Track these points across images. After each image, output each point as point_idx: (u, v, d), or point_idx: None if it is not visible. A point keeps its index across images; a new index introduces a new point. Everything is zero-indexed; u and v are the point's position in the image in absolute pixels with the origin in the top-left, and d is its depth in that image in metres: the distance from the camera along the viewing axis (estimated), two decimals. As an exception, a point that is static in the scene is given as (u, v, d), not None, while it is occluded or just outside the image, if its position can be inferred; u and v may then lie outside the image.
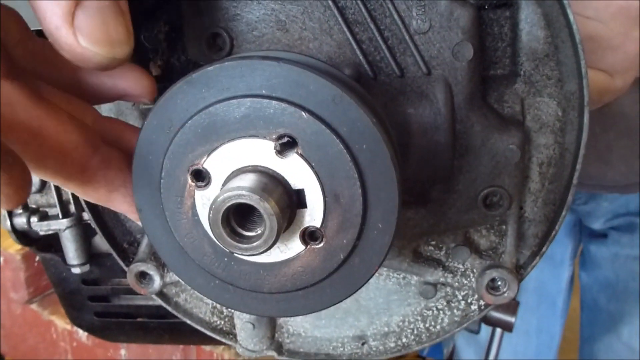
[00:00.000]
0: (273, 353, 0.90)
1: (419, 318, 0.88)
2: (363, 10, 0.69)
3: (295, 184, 0.53)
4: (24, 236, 1.00)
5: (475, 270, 0.81)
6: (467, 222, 0.77)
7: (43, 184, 0.94)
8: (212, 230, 0.51)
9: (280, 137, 0.52)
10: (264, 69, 0.51)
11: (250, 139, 0.52)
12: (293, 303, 0.58)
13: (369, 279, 0.56)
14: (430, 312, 0.88)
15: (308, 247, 0.55)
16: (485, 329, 1.90)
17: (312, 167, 0.52)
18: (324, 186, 0.52)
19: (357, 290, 0.57)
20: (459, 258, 0.80)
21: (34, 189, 0.95)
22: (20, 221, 0.97)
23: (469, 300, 0.85)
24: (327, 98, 0.50)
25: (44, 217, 0.97)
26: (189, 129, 0.53)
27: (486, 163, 0.74)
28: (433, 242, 0.84)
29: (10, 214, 0.97)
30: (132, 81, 0.57)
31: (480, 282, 0.78)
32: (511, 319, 1.58)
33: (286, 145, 0.52)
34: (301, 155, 0.52)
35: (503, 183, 0.74)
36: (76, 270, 1.00)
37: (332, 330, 0.92)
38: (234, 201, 0.49)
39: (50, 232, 0.98)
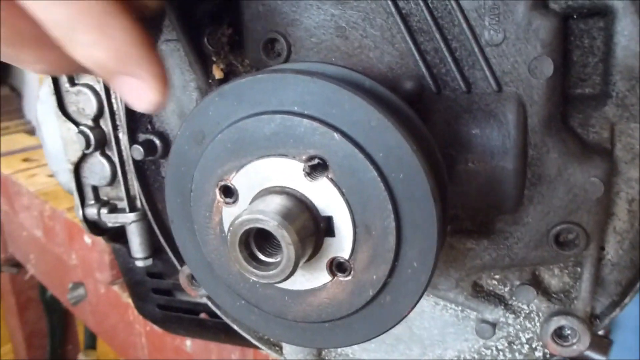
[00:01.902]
0: (317, 371, 0.86)
1: (476, 356, 0.80)
2: (428, 17, 0.63)
3: (324, 210, 0.48)
4: (94, 226, 1.03)
5: (541, 314, 0.72)
6: (535, 260, 0.68)
7: (113, 178, 0.97)
8: (230, 253, 0.47)
9: (310, 158, 0.47)
10: (297, 84, 0.47)
11: (280, 157, 0.48)
12: (318, 335, 0.54)
13: (400, 321, 0.51)
14: (489, 352, 0.79)
15: (335, 278, 0.50)
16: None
17: (342, 194, 0.47)
18: (354, 215, 0.47)
19: (387, 330, 0.52)
20: (523, 298, 0.71)
21: (104, 182, 0.98)
22: (91, 212, 1.01)
23: (533, 345, 0.76)
24: (362, 119, 0.45)
25: (113, 209, 1.00)
26: (219, 143, 0.51)
27: (562, 196, 0.65)
28: (497, 277, 0.76)
29: (83, 205, 1.01)
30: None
31: (545, 328, 0.69)
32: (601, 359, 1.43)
33: (316, 168, 0.47)
34: (332, 180, 0.47)
35: (580, 220, 0.65)
36: (139, 264, 1.02)
37: (381, 355, 0.86)
38: (251, 225, 0.45)
39: (117, 225, 1.01)
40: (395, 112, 0.49)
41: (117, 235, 1.08)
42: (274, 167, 0.49)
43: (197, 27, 0.79)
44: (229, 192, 0.52)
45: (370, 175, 0.46)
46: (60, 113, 0.94)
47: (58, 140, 0.97)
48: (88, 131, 0.93)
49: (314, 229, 0.48)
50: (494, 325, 0.74)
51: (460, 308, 0.79)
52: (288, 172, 0.48)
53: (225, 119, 0.50)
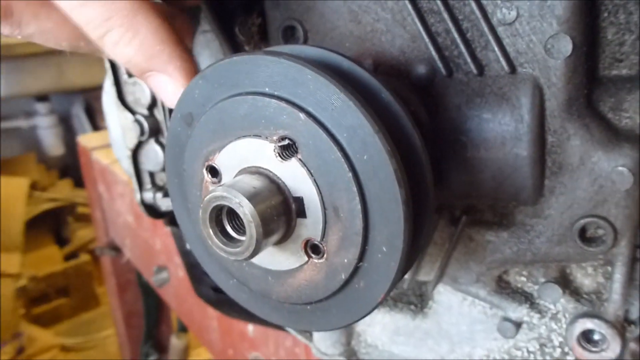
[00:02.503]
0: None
1: (506, 357, 0.76)
2: (437, -3, 0.60)
3: (295, 190, 0.48)
4: (151, 210, 1.10)
5: (567, 315, 0.66)
6: (559, 256, 0.63)
7: (167, 164, 1.03)
8: (202, 229, 0.49)
9: (281, 139, 0.47)
10: (267, 65, 0.47)
11: (255, 138, 0.49)
12: (302, 317, 0.54)
13: (375, 307, 0.49)
14: (519, 353, 0.75)
15: (310, 260, 0.50)
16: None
17: (311, 175, 0.47)
18: (323, 197, 0.47)
19: (364, 316, 0.50)
20: (547, 297, 0.66)
21: (159, 167, 1.04)
22: (148, 196, 1.07)
23: (565, 349, 0.70)
24: (326, 99, 0.45)
25: (167, 194, 1.06)
26: (204, 124, 0.52)
27: (586, 187, 0.60)
28: (526, 273, 0.71)
29: (141, 189, 1.08)
30: None
31: (570, 330, 0.64)
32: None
33: (287, 149, 0.48)
34: (301, 161, 0.47)
35: (608, 213, 0.59)
36: (189, 247, 1.07)
37: (411, 350, 0.84)
38: (217, 202, 0.46)
39: (170, 209, 1.06)
40: (370, 94, 0.48)
41: (175, 219, 1.14)
42: (250, 147, 0.49)
43: (229, 17, 0.81)
44: (214, 172, 0.53)
45: (334, 156, 0.45)
46: (119, 103, 1.01)
47: (118, 128, 1.04)
48: (143, 120, 0.99)
49: (283, 209, 0.48)
50: (517, 324, 0.70)
51: (488, 305, 0.75)
52: (262, 153, 0.49)
53: (208, 101, 0.52)
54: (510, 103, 0.59)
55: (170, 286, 2.03)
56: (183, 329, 2.77)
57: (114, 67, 1.01)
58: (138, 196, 1.08)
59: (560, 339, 0.70)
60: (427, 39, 0.62)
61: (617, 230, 0.59)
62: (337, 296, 0.51)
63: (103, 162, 2.23)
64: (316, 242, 0.49)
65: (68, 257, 4.49)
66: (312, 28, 0.69)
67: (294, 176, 0.48)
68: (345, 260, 0.48)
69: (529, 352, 0.74)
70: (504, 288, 0.71)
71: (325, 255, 0.49)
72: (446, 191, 0.66)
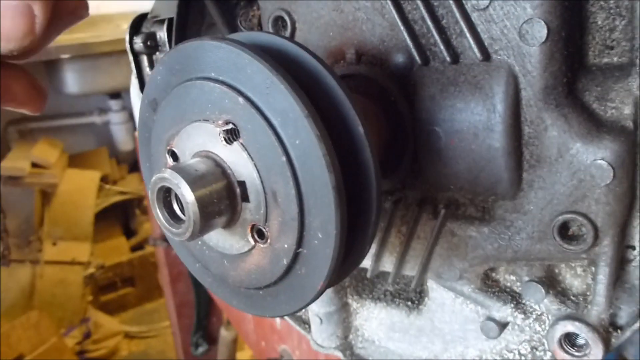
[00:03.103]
0: (339, 354, 0.85)
1: (498, 358, 0.73)
2: (410, -17, 0.59)
3: (240, 174, 0.49)
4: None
5: (550, 317, 0.63)
6: (540, 254, 0.60)
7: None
8: (153, 210, 0.50)
9: (225, 122, 0.48)
10: (212, 50, 0.48)
11: (204, 122, 0.50)
12: (255, 302, 0.55)
13: (318, 295, 0.49)
14: (511, 355, 0.71)
15: (257, 245, 0.50)
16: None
17: (251, 159, 0.47)
18: (263, 181, 0.47)
19: (309, 304, 0.50)
20: (529, 297, 0.63)
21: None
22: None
23: (555, 353, 0.66)
24: (261, 83, 0.45)
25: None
26: (163, 110, 0.54)
27: (565, 181, 0.56)
28: (514, 271, 0.68)
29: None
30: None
31: (551, 333, 0.61)
32: None
33: (230, 133, 0.48)
34: (242, 145, 0.47)
35: (588, 210, 0.56)
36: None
37: (406, 346, 0.82)
38: (160, 184, 0.48)
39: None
40: (312, 79, 0.48)
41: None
42: (200, 131, 0.50)
43: (231, 9, 0.83)
44: (175, 156, 0.54)
45: (269, 140, 0.45)
46: (141, 94, 1.05)
47: (141, 120, 1.09)
48: (161, 112, 1.03)
49: (226, 193, 0.48)
50: (502, 324, 0.67)
51: (470, 302, 0.72)
52: (210, 137, 0.50)
53: (168, 87, 0.53)
54: (483, 92, 0.57)
55: (212, 277, 2.08)
56: (232, 321, 2.84)
57: (137, 60, 1.05)
58: (144, 176, 1.12)
59: (551, 343, 0.67)
60: (402, 27, 0.60)
61: (598, 228, 0.55)
62: (283, 282, 0.51)
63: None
64: (260, 227, 0.49)
65: (135, 249, 4.70)
66: (300, 18, 0.70)
67: (237, 160, 0.48)
68: (286, 246, 0.48)
69: (520, 354, 0.70)
70: (491, 286, 0.68)
71: (269, 240, 0.49)
72: (426, 183, 0.65)
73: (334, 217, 0.44)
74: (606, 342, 0.58)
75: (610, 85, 0.56)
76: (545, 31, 0.53)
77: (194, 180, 0.47)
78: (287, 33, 0.71)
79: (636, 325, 0.57)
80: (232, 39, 0.47)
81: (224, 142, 0.49)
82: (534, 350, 0.69)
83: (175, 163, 0.55)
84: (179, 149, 0.53)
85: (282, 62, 0.46)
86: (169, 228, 0.49)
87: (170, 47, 1.01)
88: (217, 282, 0.58)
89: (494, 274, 0.69)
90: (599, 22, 0.57)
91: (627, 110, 0.55)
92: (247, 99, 0.46)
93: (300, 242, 0.47)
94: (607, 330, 0.58)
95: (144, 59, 1.06)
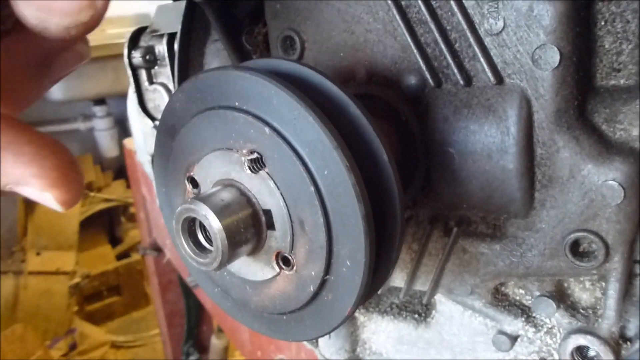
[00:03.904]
0: (348, 368, 0.86)
1: (507, 371, 0.74)
2: (422, 6, 0.60)
3: (265, 203, 0.49)
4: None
5: (562, 330, 0.64)
6: (552, 270, 0.61)
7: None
8: (177, 239, 0.51)
9: (250, 152, 0.49)
10: (236, 80, 0.48)
11: (227, 151, 0.50)
12: (279, 326, 0.55)
13: (345, 320, 0.50)
14: (520, 368, 0.73)
15: (282, 271, 0.51)
16: None
17: (278, 188, 0.48)
18: (289, 210, 0.48)
19: (335, 328, 0.51)
20: (540, 311, 0.65)
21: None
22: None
23: (565, 365, 0.68)
24: (288, 114, 0.46)
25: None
26: (183, 137, 0.54)
27: (576, 200, 0.58)
28: (524, 286, 0.69)
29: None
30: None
31: (563, 346, 0.62)
32: None
33: (255, 162, 0.49)
34: (268, 174, 0.48)
35: (599, 228, 0.57)
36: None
37: (414, 359, 0.83)
38: (186, 214, 0.48)
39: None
40: (337, 108, 0.48)
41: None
42: (224, 160, 0.51)
43: (236, 26, 0.83)
44: (194, 183, 0.55)
45: (297, 170, 0.46)
46: (140, 109, 1.05)
47: (140, 134, 1.09)
48: (162, 127, 1.03)
49: (252, 221, 0.49)
50: (513, 338, 0.68)
51: (482, 316, 0.73)
52: (234, 166, 0.50)
53: (187, 114, 0.53)
54: (497, 115, 0.58)
55: (205, 287, 2.07)
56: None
57: (135, 74, 1.05)
58: (159, 201, 1.12)
59: (561, 356, 0.68)
60: (415, 50, 0.61)
61: (609, 246, 0.57)
62: (309, 308, 0.51)
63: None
64: (286, 254, 0.50)
65: (120, 257, 4.66)
66: (309, 38, 0.70)
67: (263, 189, 0.49)
68: (313, 273, 0.48)
69: (530, 367, 0.72)
70: (500, 300, 0.70)
71: (295, 268, 0.50)
72: (438, 202, 0.66)
73: (364, 245, 0.45)
74: (617, 354, 0.59)
75: (619, 108, 0.57)
76: (557, 57, 0.54)
77: (221, 210, 0.47)
78: (297, 53, 0.72)
79: (647, 339, 0.59)
80: (255, 69, 0.48)
81: (249, 171, 0.49)
82: (544, 362, 0.70)
83: (194, 190, 0.55)
84: (200, 176, 0.54)
85: (306, 91, 0.47)
86: (195, 258, 0.50)
87: (170, 62, 1.01)
88: (238, 307, 0.58)
89: (503, 288, 0.70)
90: (607, 46, 0.59)
91: (635, 132, 0.56)
92: (274, 129, 0.46)
93: (328, 269, 0.48)
94: (617, 342, 0.60)
95: (143, 73, 1.06)
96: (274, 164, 0.47)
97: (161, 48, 1.03)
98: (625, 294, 0.59)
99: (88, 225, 4.50)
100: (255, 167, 0.49)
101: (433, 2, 0.60)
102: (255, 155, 0.48)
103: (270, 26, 0.74)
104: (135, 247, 4.73)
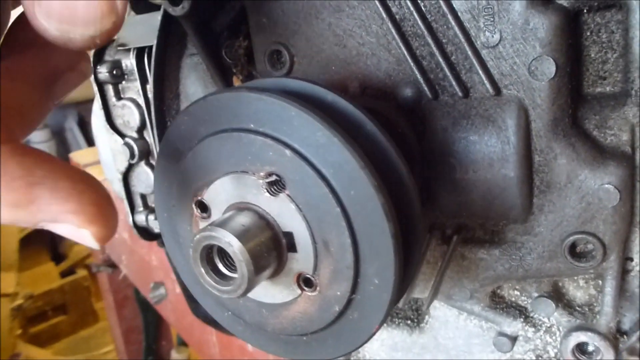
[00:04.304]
0: (343, 379, 0.86)
1: (503, 370, 0.76)
2: (419, 20, 0.60)
3: (285, 225, 0.48)
4: (145, 232, 1.10)
5: (561, 329, 0.67)
6: (550, 271, 0.64)
7: (159, 186, 1.03)
8: (194, 267, 0.49)
9: (268, 174, 0.48)
10: (250, 102, 0.47)
11: (242, 174, 0.49)
12: (298, 348, 0.54)
13: (370, 337, 0.50)
14: (516, 366, 0.75)
15: (303, 293, 0.50)
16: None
17: (300, 210, 0.47)
18: (313, 231, 0.47)
19: (360, 346, 0.51)
20: (540, 311, 0.67)
21: (150, 190, 1.04)
22: (140, 218, 1.07)
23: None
24: (311, 136, 0.45)
25: (160, 215, 1.06)
26: (191, 160, 0.52)
27: (574, 204, 0.60)
28: (519, 287, 0.71)
29: (133, 212, 1.08)
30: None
31: (565, 344, 0.65)
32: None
33: (274, 185, 0.48)
34: (289, 196, 0.47)
35: (596, 230, 0.60)
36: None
37: (409, 365, 0.84)
38: (207, 242, 0.47)
39: (164, 230, 1.07)
40: (354, 126, 0.48)
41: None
42: (238, 183, 0.50)
43: (215, 40, 0.81)
44: (203, 207, 0.53)
45: (322, 192, 0.45)
46: (108, 126, 1.01)
47: (109, 151, 1.04)
48: (132, 143, 0.99)
49: (273, 245, 0.48)
50: (513, 338, 0.70)
51: (481, 319, 0.75)
52: (250, 189, 0.49)
53: (194, 137, 0.52)
54: (497, 125, 0.59)
55: (167, 302, 2.03)
56: (183, 343, 2.77)
57: (101, 90, 1.01)
58: (130, 219, 1.08)
59: (555, 350, 0.71)
60: (412, 63, 0.62)
61: (606, 246, 0.60)
62: (332, 327, 0.51)
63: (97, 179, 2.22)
64: (308, 276, 0.49)
65: (65, 274, 4.47)
66: (298, 52, 0.70)
67: (283, 211, 0.48)
68: (338, 293, 0.48)
69: (525, 365, 0.74)
70: (497, 303, 0.72)
71: (318, 288, 0.49)
72: (437, 211, 0.67)
73: (392, 263, 0.45)
74: (616, 348, 0.62)
75: (608, 114, 0.60)
76: (553, 68, 0.56)
77: (243, 235, 0.46)
78: (286, 67, 0.71)
79: (642, 332, 0.62)
80: (270, 89, 0.47)
81: (267, 194, 0.48)
82: (539, 358, 0.73)
83: (202, 214, 0.53)
84: (210, 201, 0.52)
85: (323, 110, 0.46)
86: (216, 287, 0.48)
87: (140, 76, 0.98)
88: (251, 330, 0.57)
89: (498, 291, 0.72)
90: (592, 55, 0.61)
91: (625, 137, 0.59)
92: (295, 151, 0.46)
93: (354, 288, 0.48)
94: (615, 337, 0.63)
95: (110, 89, 1.02)
96: (296, 186, 0.47)
97: (129, 62, 0.99)
98: (621, 290, 0.62)
99: (28, 242, 4.28)
100: (274, 189, 0.48)
101: (428, 16, 0.61)
102: (273, 178, 0.47)
103: (255, 40, 0.73)
104: (81, 263, 4.55)
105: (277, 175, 0.47)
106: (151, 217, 1.06)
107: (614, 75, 0.61)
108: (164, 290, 2.00)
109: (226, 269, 0.49)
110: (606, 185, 0.58)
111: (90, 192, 0.40)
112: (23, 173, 0.37)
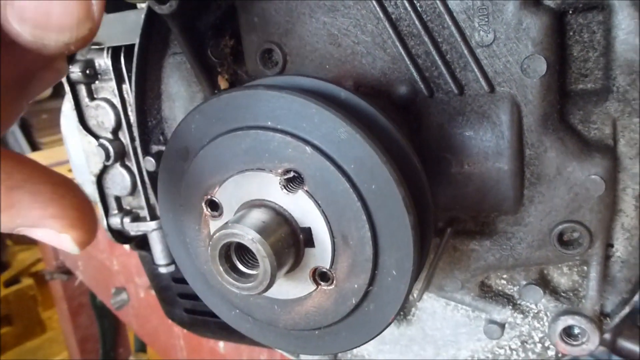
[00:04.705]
0: (333, 373, 0.87)
1: (490, 356, 0.79)
2: (416, 21, 0.62)
3: (302, 221, 0.49)
4: (119, 235, 1.07)
5: (549, 314, 0.71)
6: (540, 260, 0.67)
7: (134, 188, 1.01)
8: (212, 266, 0.49)
9: (286, 171, 0.48)
10: (268, 99, 0.48)
11: (258, 172, 0.49)
12: (309, 342, 0.55)
13: (386, 327, 0.51)
14: (502, 351, 0.78)
15: (319, 287, 0.51)
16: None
17: (318, 205, 0.48)
18: (331, 226, 0.48)
19: (374, 337, 0.52)
20: (529, 298, 0.70)
21: (126, 192, 1.01)
22: (115, 221, 1.05)
23: (546, 344, 0.74)
24: (332, 132, 0.46)
25: (136, 218, 1.04)
26: (202, 159, 0.52)
27: (562, 195, 0.63)
28: (505, 276, 0.75)
29: (107, 215, 1.05)
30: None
31: (553, 328, 0.68)
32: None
33: (292, 181, 0.48)
34: (307, 192, 0.48)
35: (583, 218, 0.63)
36: (162, 270, 1.05)
37: (396, 356, 0.86)
38: (228, 239, 0.47)
39: (140, 233, 1.04)
40: (369, 122, 0.49)
41: (143, 243, 1.12)
42: (253, 180, 0.50)
43: (200, 39, 0.81)
44: (214, 206, 0.53)
45: (342, 187, 0.46)
46: (81, 127, 0.98)
47: (81, 153, 1.01)
48: (107, 144, 0.97)
49: (292, 240, 0.49)
50: (502, 325, 0.73)
51: (471, 308, 0.78)
52: (266, 186, 0.49)
53: (206, 136, 0.51)
54: (491, 120, 0.62)
55: (130, 307, 1.98)
56: (142, 349, 2.70)
57: (73, 90, 0.98)
58: (104, 222, 1.06)
59: (540, 335, 0.74)
60: (408, 62, 0.64)
61: (592, 233, 0.63)
62: (347, 320, 0.52)
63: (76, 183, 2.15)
64: (325, 270, 0.50)
65: (9, 283, 4.27)
66: (292, 51, 0.70)
67: (301, 207, 0.49)
68: (356, 286, 0.49)
69: (511, 349, 0.78)
70: (486, 292, 0.75)
71: (334, 282, 0.50)
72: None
73: (412, 254, 0.47)
74: (600, 330, 0.66)
75: (591, 109, 0.64)
76: (544, 66, 0.59)
77: (263, 231, 0.47)
78: (278, 66, 0.71)
79: (624, 312, 0.66)
80: (289, 88, 0.48)
81: (285, 190, 0.49)
82: (524, 344, 0.76)
83: (213, 213, 0.53)
84: (222, 199, 0.52)
85: (340, 107, 0.47)
86: (236, 284, 0.48)
87: (115, 76, 0.95)
88: (260, 327, 0.57)
89: (486, 280, 0.75)
90: (575, 54, 0.65)
91: (608, 130, 0.63)
92: (315, 147, 0.46)
93: (372, 280, 0.49)
94: (600, 319, 0.67)
95: (82, 89, 0.99)
96: (315, 182, 0.47)
97: (102, 62, 0.97)
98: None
99: (-32, 252, 4.08)
100: (291, 186, 0.48)
101: (424, 16, 0.63)
102: (291, 174, 0.48)
103: (246, 39, 0.73)
104: (26, 272, 4.36)
105: (295, 171, 0.48)
106: (126, 219, 1.04)
107: (594, 73, 0.65)
108: (126, 296, 1.95)
109: (244, 266, 0.49)
110: (593, 176, 0.61)
111: (70, 196, 0.39)
112: (2, 177, 0.36)
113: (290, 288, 0.52)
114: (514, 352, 0.77)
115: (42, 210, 0.38)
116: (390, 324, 0.50)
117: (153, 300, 1.79)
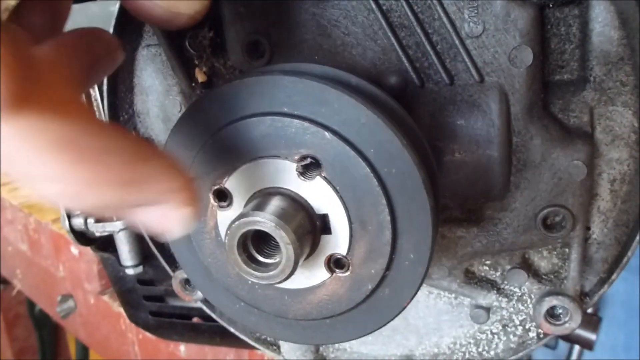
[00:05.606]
0: (316, 367, 0.87)
1: (472, 341, 0.82)
2: (409, 13, 0.64)
3: (319, 208, 0.49)
4: (82, 236, 1.03)
5: (533, 296, 0.74)
6: (524, 244, 0.70)
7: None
8: (228, 256, 0.48)
9: (302, 158, 0.48)
10: (285, 85, 0.47)
11: (273, 159, 0.49)
12: (319, 331, 0.55)
13: (400, 312, 0.52)
14: (484, 336, 0.81)
15: (334, 275, 0.51)
16: (564, 343, 1.77)
17: (337, 191, 0.48)
18: (349, 212, 0.48)
19: (388, 322, 0.52)
20: (514, 282, 0.73)
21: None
22: (78, 222, 1.00)
23: (526, 326, 0.77)
24: (352, 117, 0.46)
25: (100, 218, 1.00)
26: (210, 147, 0.51)
27: (547, 180, 0.67)
28: (488, 262, 0.77)
29: (69, 216, 1.00)
30: None
31: (537, 309, 0.71)
32: (592, 337, 1.45)
33: (309, 167, 0.48)
34: (325, 178, 0.48)
35: (566, 202, 0.67)
36: (130, 271, 1.01)
37: (379, 347, 0.88)
38: (248, 227, 0.46)
39: (105, 234, 1.00)
40: (382, 107, 0.50)
41: (105, 244, 1.08)
42: (268, 168, 0.49)
43: (178, 30, 0.78)
44: (222, 196, 0.52)
45: (363, 172, 0.46)
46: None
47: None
48: (71, 142, 0.92)
49: (310, 227, 0.48)
50: (488, 310, 0.76)
51: (453, 295, 0.80)
52: (281, 173, 0.49)
53: (214, 124, 0.50)
54: (481, 109, 0.64)
55: (77, 315, 1.89)
56: (84, 357, 2.59)
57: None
58: (66, 223, 1.00)
59: (522, 318, 0.78)
60: (400, 52, 0.65)
61: (575, 216, 0.67)
62: (361, 307, 0.52)
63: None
64: (340, 257, 0.50)
65: None
66: (279, 42, 0.70)
67: (317, 194, 0.49)
68: (372, 271, 0.50)
69: (492, 333, 0.80)
70: (470, 278, 0.77)
71: (350, 269, 0.50)
72: (420, 194, 0.70)
73: (430, 236, 0.48)
74: (582, 309, 0.70)
75: (570, 99, 0.67)
76: (531, 56, 0.62)
77: (284, 218, 0.46)
78: (265, 58, 0.71)
79: (602, 291, 0.70)
80: (307, 73, 0.47)
81: (301, 177, 0.48)
82: (505, 327, 0.79)
83: (221, 203, 0.52)
84: (233, 188, 0.51)
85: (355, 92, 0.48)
86: (255, 274, 0.47)
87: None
88: (266, 319, 0.56)
89: (469, 267, 0.78)
90: (552, 46, 0.68)
91: (585, 118, 0.67)
92: (335, 132, 0.46)
93: (389, 265, 0.49)
94: (581, 298, 0.70)
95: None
96: (333, 168, 0.47)
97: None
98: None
99: None
100: (308, 172, 0.48)
101: (415, 8, 0.64)
102: (308, 161, 0.48)
103: (230, 30, 0.72)
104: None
105: (312, 157, 0.48)
106: (90, 220, 1.00)
107: (570, 64, 0.68)
108: (73, 303, 1.86)
109: (261, 255, 0.49)
110: (575, 162, 0.65)
111: (184, 171, 0.39)
112: (133, 151, 0.35)
113: (304, 277, 0.52)
114: (496, 337, 0.80)
115: (169, 183, 0.38)
116: (404, 308, 0.51)
117: (104, 306, 1.72)
